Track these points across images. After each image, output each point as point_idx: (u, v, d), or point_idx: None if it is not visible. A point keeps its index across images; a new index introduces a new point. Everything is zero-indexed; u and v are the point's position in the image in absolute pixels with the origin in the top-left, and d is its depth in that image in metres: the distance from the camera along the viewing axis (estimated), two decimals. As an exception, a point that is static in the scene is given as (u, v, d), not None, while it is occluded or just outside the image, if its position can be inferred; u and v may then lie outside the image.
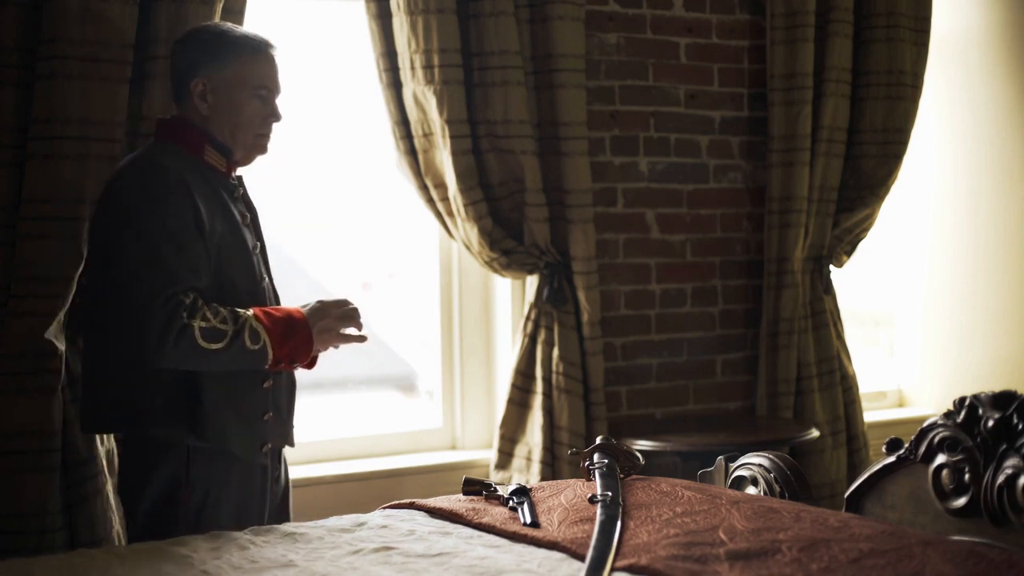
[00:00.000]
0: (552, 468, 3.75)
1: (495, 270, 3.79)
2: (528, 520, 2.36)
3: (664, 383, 4.15)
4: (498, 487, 2.60)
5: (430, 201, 3.73)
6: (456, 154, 3.62)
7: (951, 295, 4.81)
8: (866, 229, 4.43)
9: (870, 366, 4.87)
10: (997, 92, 4.71)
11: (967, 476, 2.29)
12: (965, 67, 4.74)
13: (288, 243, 3.85)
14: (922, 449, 2.38)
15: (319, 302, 2.69)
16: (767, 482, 2.68)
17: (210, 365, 2.52)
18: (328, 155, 3.92)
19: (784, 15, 4.18)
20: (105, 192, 2.65)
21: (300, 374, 2.81)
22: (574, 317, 3.82)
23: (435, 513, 2.53)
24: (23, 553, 2.65)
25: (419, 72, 3.57)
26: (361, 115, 3.89)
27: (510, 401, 3.84)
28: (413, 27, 3.55)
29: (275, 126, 2.74)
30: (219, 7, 3.09)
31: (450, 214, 3.72)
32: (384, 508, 2.64)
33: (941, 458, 2.34)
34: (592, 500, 2.41)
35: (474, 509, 2.50)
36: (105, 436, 3.04)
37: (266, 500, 2.72)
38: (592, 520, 2.31)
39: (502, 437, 3.84)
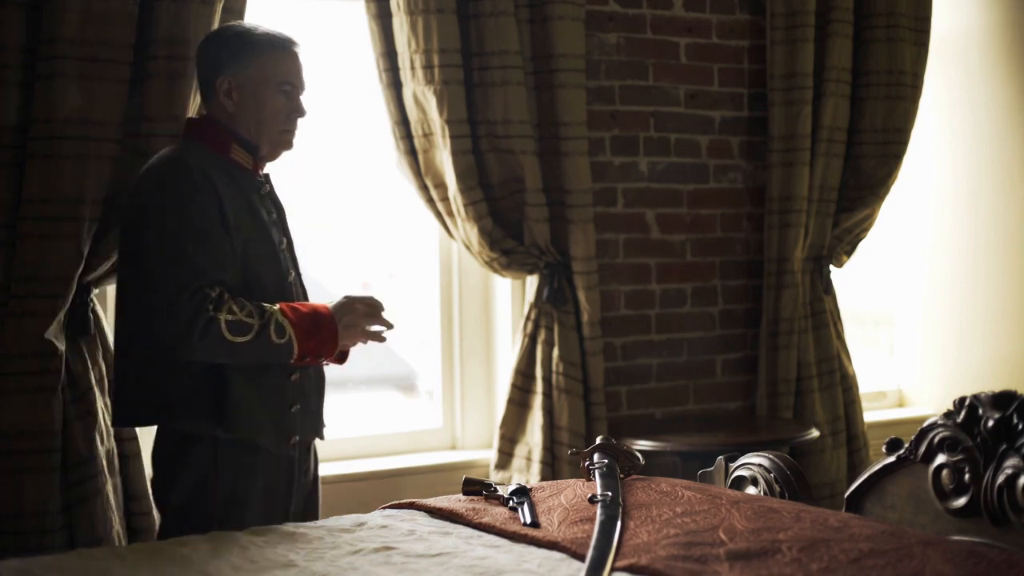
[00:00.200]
0: (552, 468, 3.75)
1: (495, 270, 3.79)
2: (528, 520, 2.36)
3: (664, 383, 4.15)
4: (498, 487, 2.61)
5: (430, 201, 3.73)
6: (456, 154, 3.62)
7: (951, 295, 4.81)
8: (866, 229, 4.43)
9: (870, 366, 4.87)
10: (997, 92, 4.71)
11: (967, 476, 2.29)
12: (965, 67, 4.74)
13: (288, 243, 3.85)
14: (922, 449, 2.38)
15: (346, 297, 2.72)
16: (767, 482, 2.68)
17: (236, 358, 2.55)
18: (328, 155, 3.92)
19: (784, 15, 4.18)
20: (132, 192, 2.69)
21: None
22: (574, 317, 3.82)
23: (435, 513, 2.53)
24: (23, 553, 2.64)
25: (419, 72, 3.57)
26: (361, 115, 3.89)
27: (510, 401, 3.84)
28: (413, 27, 3.55)
29: (300, 122, 2.78)
30: (219, 7, 3.09)
31: (450, 214, 3.72)
32: (384, 508, 2.64)
33: (941, 458, 2.34)
34: (592, 500, 2.41)
35: (474, 509, 2.50)
36: (105, 436, 3.05)
37: (293, 492, 2.75)
38: (592, 520, 2.31)
39: (502, 437, 3.84)
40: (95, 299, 3.09)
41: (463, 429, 4.01)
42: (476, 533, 2.38)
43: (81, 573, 2.17)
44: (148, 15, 3.02)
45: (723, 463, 2.83)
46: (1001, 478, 2.22)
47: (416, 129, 3.66)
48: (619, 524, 2.26)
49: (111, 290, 3.31)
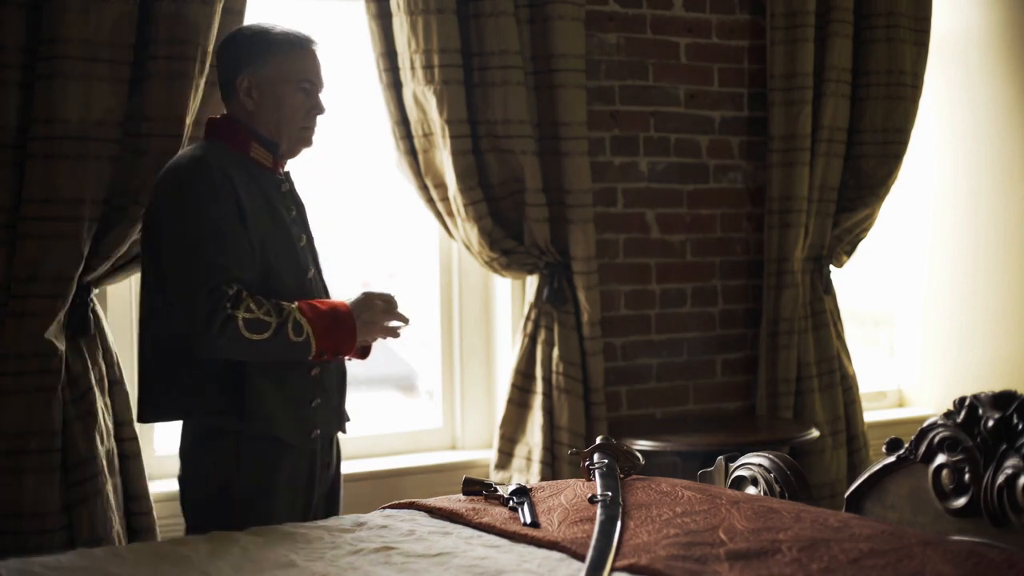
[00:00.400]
0: (552, 468, 3.75)
1: (495, 270, 3.79)
2: (528, 520, 2.36)
3: (664, 383, 4.15)
4: (498, 487, 2.61)
5: (430, 201, 3.73)
6: (456, 154, 3.62)
7: (951, 295, 4.81)
8: (866, 229, 4.43)
9: (870, 366, 4.87)
10: (997, 92, 4.71)
11: (967, 476, 2.29)
12: (965, 67, 4.74)
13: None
14: (922, 449, 2.38)
15: (364, 294, 2.75)
16: (767, 482, 2.68)
17: (254, 355, 2.58)
18: (328, 155, 3.91)
19: (784, 15, 4.18)
20: (154, 191, 2.71)
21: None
22: (574, 317, 3.82)
23: (435, 513, 2.53)
24: (23, 553, 2.64)
25: (419, 72, 3.57)
26: (361, 115, 3.89)
27: (510, 401, 3.84)
28: (413, 27, 3.55)
29: (319, 119, 2.81)
30: (219, 7, 3.09)
31: (450, 214, 3.72)
32: (384, 508, 2.64)
33: (941, 458, 2.34)
34: (592, 500, 2.41)
35: (474, 509, 2.50)
36: (105, 436, 3.05)
37: (315, 485, 2.76)
38: (592, 520, 2.31)
39: (502, 437, 3.84)
40: (95, 299, 3.09)
41: (463, 429, 4.01)
42: (476, 533, 2.38)
43: (81, 573, 2.17)
44: (148, 15, 3.03)
45: (723, 463, 2.83)
46: (1001, 478, 2.22)
47: (416, 129, 3.66)
48: (619, 524, 2.26)
49: (111, 290, 3.31)
